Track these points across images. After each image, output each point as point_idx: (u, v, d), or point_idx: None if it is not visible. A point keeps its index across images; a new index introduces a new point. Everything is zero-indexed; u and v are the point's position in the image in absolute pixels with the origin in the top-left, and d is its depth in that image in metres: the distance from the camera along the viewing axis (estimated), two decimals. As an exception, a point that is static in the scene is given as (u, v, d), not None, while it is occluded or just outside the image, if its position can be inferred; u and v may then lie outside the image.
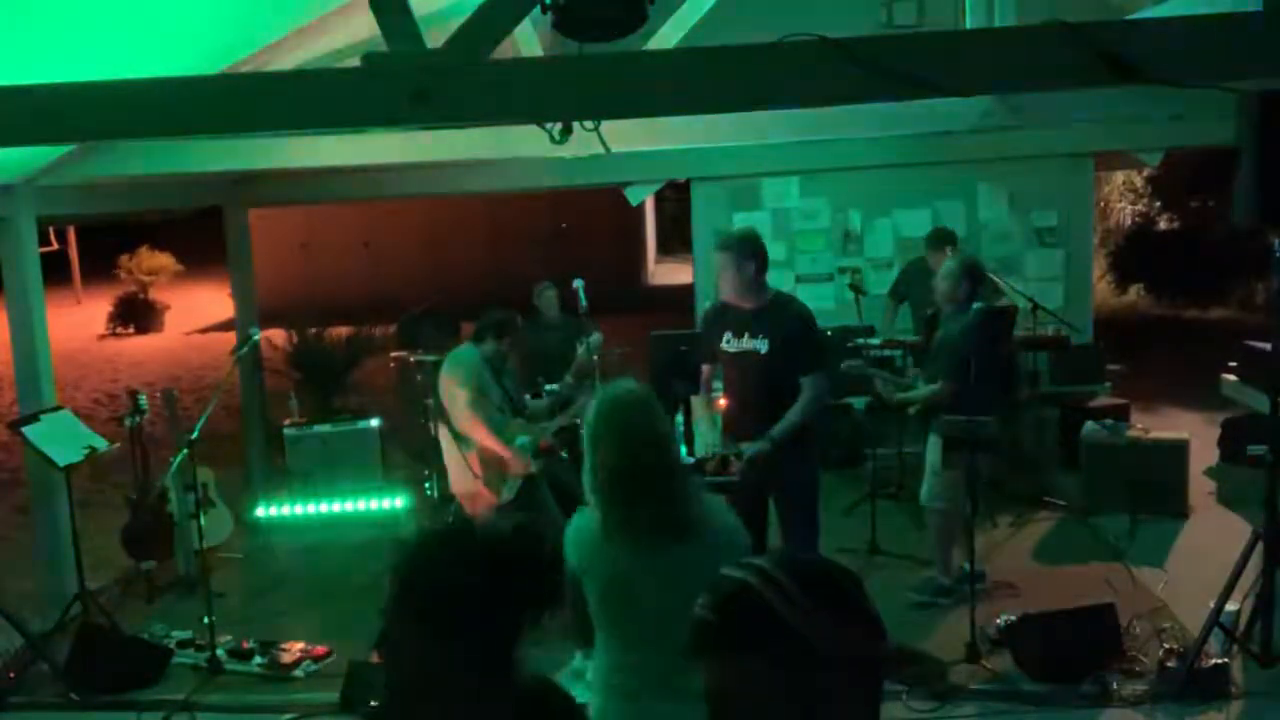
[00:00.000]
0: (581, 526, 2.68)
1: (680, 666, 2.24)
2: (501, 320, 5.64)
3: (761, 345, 4.74)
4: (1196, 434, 7.17)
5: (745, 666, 1.21)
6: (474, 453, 5.35)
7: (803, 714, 1.21)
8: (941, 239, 7.24)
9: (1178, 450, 6.76)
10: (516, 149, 5.24)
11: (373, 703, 4.56)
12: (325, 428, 7.74)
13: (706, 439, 5.14)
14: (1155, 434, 6.97)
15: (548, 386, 6.67)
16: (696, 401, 5.21)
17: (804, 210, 8.34)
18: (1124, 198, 16.41)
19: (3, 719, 4.89)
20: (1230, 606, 4.66)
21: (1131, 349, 10.31)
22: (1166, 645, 4.71)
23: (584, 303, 5.93)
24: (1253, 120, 3.17)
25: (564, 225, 18.48)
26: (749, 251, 4.72)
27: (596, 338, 6.19)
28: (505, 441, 5.34)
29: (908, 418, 6.13)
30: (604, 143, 3.51)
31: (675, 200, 20.85)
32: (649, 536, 2.56)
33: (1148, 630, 5.01)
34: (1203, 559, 5.71)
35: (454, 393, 5.38)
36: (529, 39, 5.22)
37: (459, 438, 5.39)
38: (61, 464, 5.43)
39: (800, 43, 2.60)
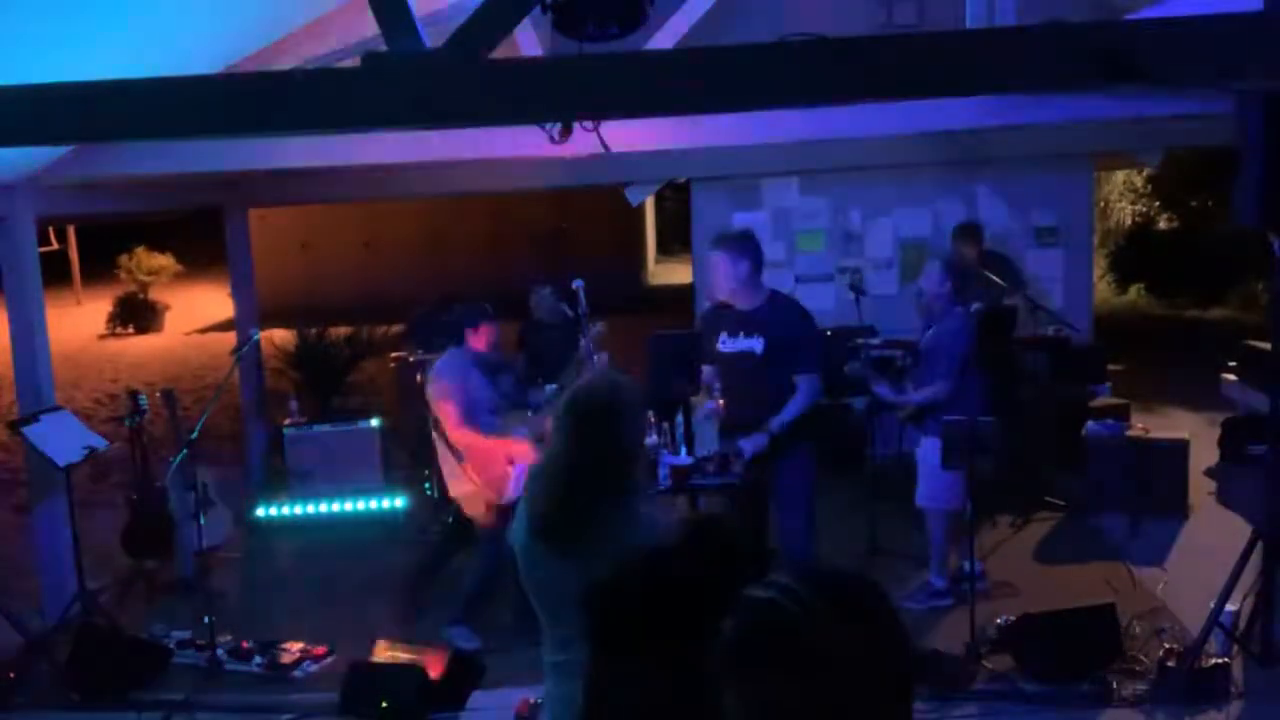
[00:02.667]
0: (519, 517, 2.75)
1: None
2: (463, 315, 5.47)
3: (757, 345, 4.75)
4: (1196, 434, 7.17)
5: (774, 687, 1.19)
6: (468, 463, 5.28)
7: None
8: (966, 232, 7.22)
9: (1178, 450, 6.76)
10: (516, 149, 5.25)
11: (384, 704, 4.57)
12: (325, 428, 7.74)
13: (706, 439, 5.14)
14: (1155, 434, 6.97)
15: (549, 386, 6.66)
16: (697, 401, 5.21)
17: (804, 210, 8.34)
18: (1124, 198, 16.40)
19: (3, 719, 4.89)
20: (1230, 606, 4.66)
21: (1131, 349, 10.31)
22: (1166, 645, 4.71)
23: (584, 303, 5.92)
24: (1253, 121, 3.17)
25: (564, 225, 18.48)
26: (743, 250, 4.72)
27: (599, 329, 6.12)
28: (504, 434, 5.27)
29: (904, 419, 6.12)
30: (604, 143, 3.52)
31: (675, 200, 20.84)
32: (544, 536, 2.61)
33: (1148, 630, 5.01)
34: (1203, 559, 5.71)
35: (442, 407, 5.28)
36: (529, 39, 5.23)
37: (453, 447, 5.32)
38: (61, 464, 5.43)
39: (800, 43, 2.60)
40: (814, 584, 1.23)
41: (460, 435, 5.23)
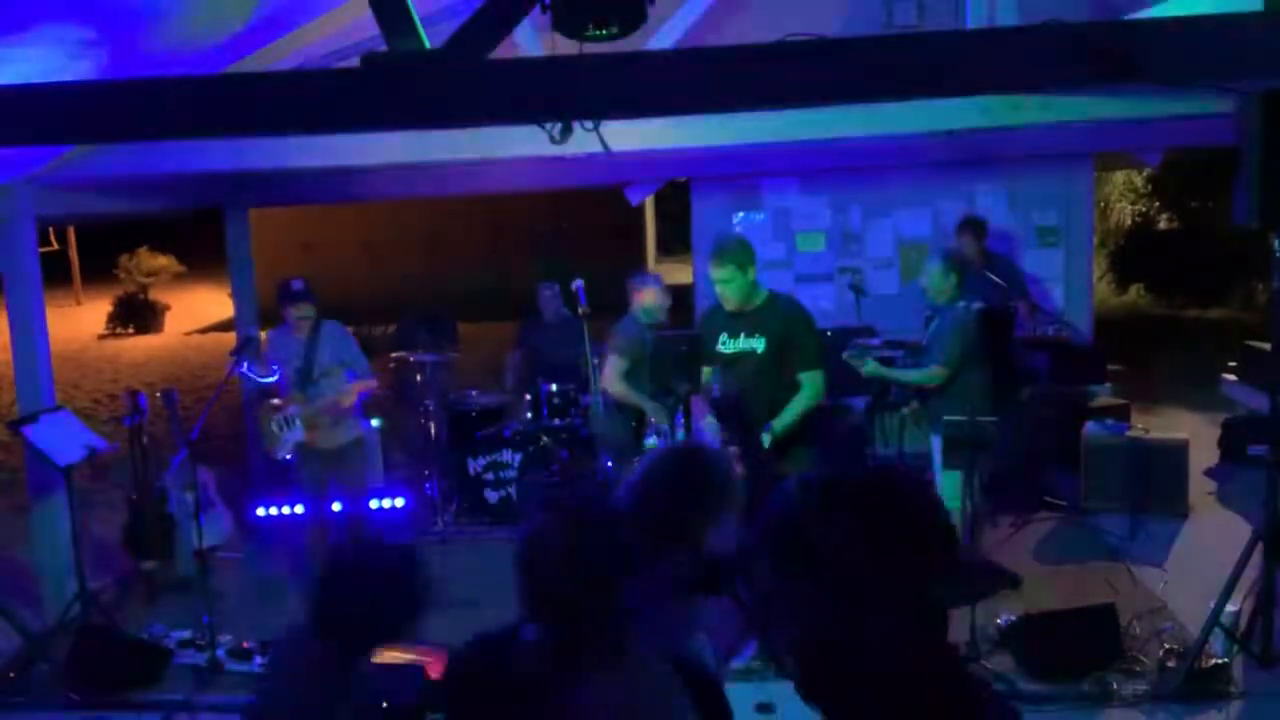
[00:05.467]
0: None
1: None
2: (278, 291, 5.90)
3: (758, 345, 4.76)
4: (1196, 434, 7.17)
5: (784, 578, 1.28)
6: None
7: (844, 629, 1.25)
8: (969, 226, 7.23)
9: (1178, 450, 6.76)
10: (516, 149, 5.24)
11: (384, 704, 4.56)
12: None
13: (708, 439, 5.12)
14: (1155, 434, 6.97)
15: (556, 387, 6.63)
16: (698, 402, 5.21)
17: (804, 210, 8.34)
18: (1124, 198, 16.41)
19: (3, 719, 4.89)
20: (1230, 606, 4.66)
21: (1131, 349, 10.30)
22: (1166, 645, 4.72)
23: (584, 303, 5.92)
24: (1253, 121, 3.17)
25: (564, 225, 18.48)
26: (751, 259, 4.77)
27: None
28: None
29: (905, 417, 6.12)
30: (604, 143, 3.52)
31: (675, 200, 20.84)
32: None
33: (1148, 630, 5.01)
34: (1203, 559, 5.71)
35: None
36: (529, 39, 5.22)
37: None
38: (61, 464, 5.43)
39: (800, 43, 2.60)
40: (822, 485, 1.30)
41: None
